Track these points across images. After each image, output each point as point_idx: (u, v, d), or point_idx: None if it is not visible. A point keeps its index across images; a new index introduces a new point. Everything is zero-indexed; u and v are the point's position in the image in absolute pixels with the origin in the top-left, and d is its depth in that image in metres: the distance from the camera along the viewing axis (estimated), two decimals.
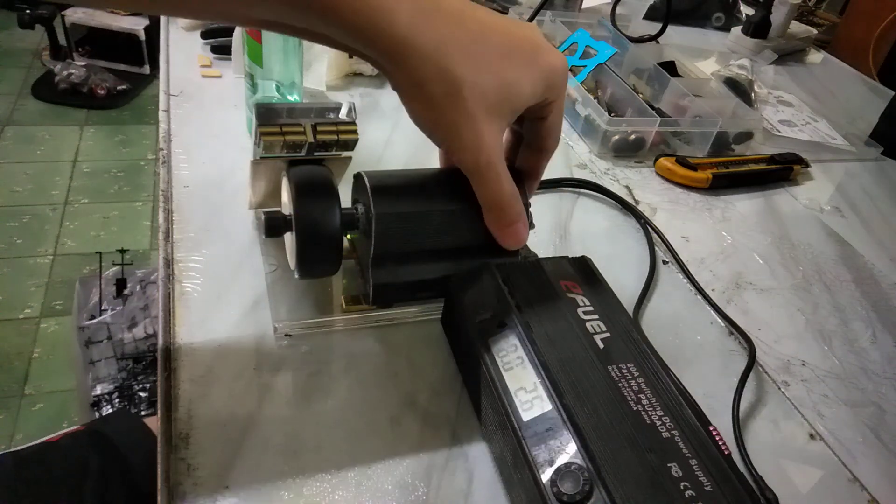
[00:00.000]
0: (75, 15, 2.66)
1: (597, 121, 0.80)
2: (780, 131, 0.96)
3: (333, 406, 0.45)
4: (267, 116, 0.43)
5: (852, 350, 0.60)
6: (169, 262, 0.53)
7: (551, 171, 0.76)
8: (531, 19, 0.96)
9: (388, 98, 0.84)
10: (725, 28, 1.31)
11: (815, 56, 1.32)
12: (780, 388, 0.55)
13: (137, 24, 2.67)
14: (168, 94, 0.74)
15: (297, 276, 0.47)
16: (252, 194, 0.53)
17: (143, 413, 1.40)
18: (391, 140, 0.76)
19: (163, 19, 0.91)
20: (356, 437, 0.44)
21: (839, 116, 1.05)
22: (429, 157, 0.74)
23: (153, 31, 2.67)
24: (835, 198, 0.84)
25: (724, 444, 0.41)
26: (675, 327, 0.58)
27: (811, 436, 0.51)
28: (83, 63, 2.69)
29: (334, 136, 0.44)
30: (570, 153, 0.81)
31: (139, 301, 1.56)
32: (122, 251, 1.65)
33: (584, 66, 0.89)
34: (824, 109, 1.07)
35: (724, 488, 0.37)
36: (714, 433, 0.42)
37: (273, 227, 0.46)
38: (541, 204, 0.71)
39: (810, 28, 1.35)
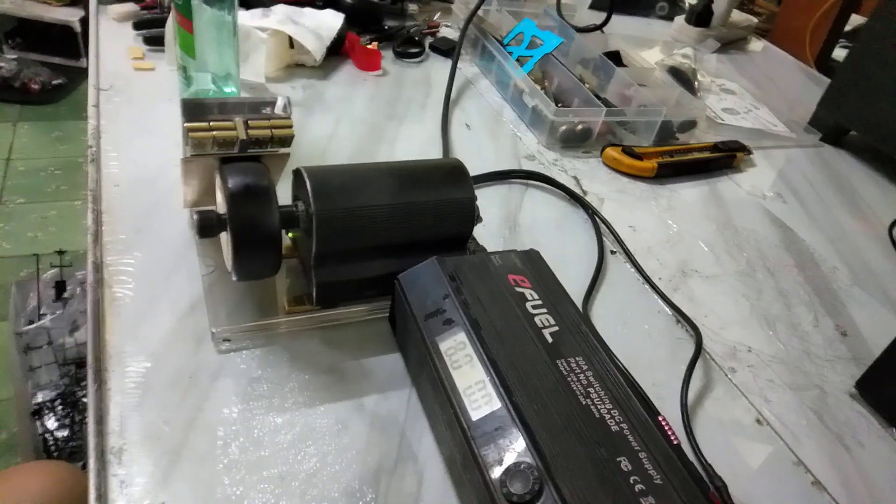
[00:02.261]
0: (3, 5, 2.53)
1: (544, 112, 0.80)
2: (723, 119, 0.97)
3: (277, 412, 0.44)
4: (195, 112, 0.41)
5: (796, 334, 0.61)
6: (98, 267, 0.50)
7: (500, 162, 0.75)
8: (476, 9, 0.95)
9: (333, 90, 0.82)
10: (669, 17, 1.32)
11: (756, 44, 1.35)
12: (726, 375, 0.55)
13: (72, 16, 2.55)
14: (98, 88, 0.71)
15: (234, 277, 0.45)
16: (185, 193, 0.50)
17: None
18: (335, 133, 0.74)
19: (92, 9, 0.87)
20: (300, 444, 0.42)
21: (780, 104, 1.08)
22: (375, 150, 0.73)
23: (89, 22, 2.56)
24: (776, 184, 0.86)
25: (673, 433, 0.41)
26: (624, 317, 0.58)
27: (758, 421, 0.52)
28: (14, 56, 2.56)
29: (268, 132, 0.43)
30: (519, 144, 0.80)
31: (80, 304, 1.50)
32: (61, 252, 1.58)
33: (531, 57, 0.88)
34: (765, 97, 1.09)
35: (673, 480, 0.37)
36: (663, 423, 0.42)
37: (206, 227, 0.43)
38: (489, 196, 0.70)
39: (751, 17, 1.37)
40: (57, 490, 0.69)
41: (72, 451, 1.31)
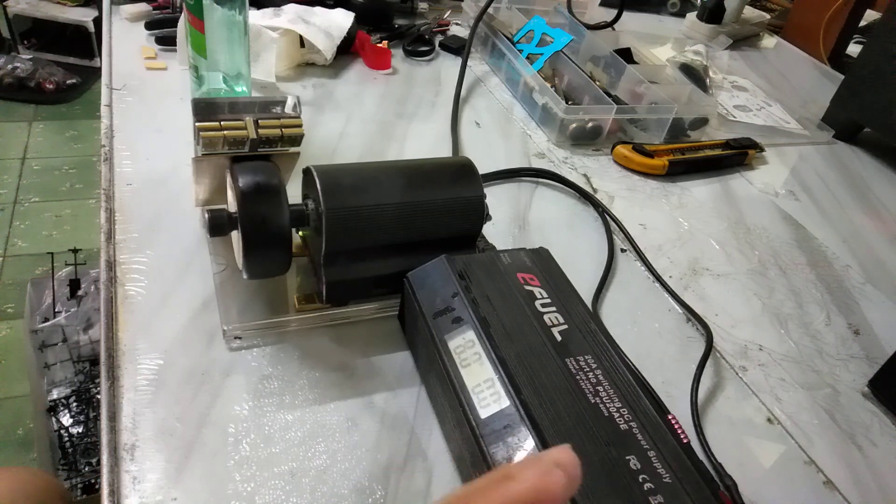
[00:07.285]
0: (18, 6, 2.55)
1: (554, 109, 0.80)
2: (734, 116, 0.97)
3: (287, 410, 0.44)
4: (206, 112, 0.41)
5: (808, 333, 0.61)
6: (111, 265, 0.51)
7: (510, 160, 0.75)
8: (486, 7, 0.95)
9: (343, 88, 0.82)
10: (681, 14, 1.32)
11: (769, 41, 1.34)
12: (737, 374, 0.55)
13: (86, 16, 2.57)
14: (110, 87, 0.71)
15: (245, 275, 0.45)
16: (197, 192, 0.51)
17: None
18: (345, 132, 0.74)
19: (105, 9, 0.87)
20: (311, 441, 0.42)
21: (792, 101, 1.07)
22: (385, 149, 0.73)
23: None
24: (789, 181, 0.85)
25: (682, 432, 0.41)
26: (634, 315, 0.58)
27: (769, 420, 0.52)
28: (29, 56, 2.59)
29: (278, 132, 0.43)
30: (529, 142, 0.80)
31: (94, 301, 1.51)
32: (75, 251, 1.60)
33: (541, 54, 0.88)
34: (778, 94, 1.08)
35: (682, 479, 0.37)
36: (673, 422, 0.42)
37: (217, 225, 0.44)
38: (499, 194, 0.70)
39: (763, 13, 1.36)
40: (25, 494, 0.69)
41: (86, 448, 1.32)
